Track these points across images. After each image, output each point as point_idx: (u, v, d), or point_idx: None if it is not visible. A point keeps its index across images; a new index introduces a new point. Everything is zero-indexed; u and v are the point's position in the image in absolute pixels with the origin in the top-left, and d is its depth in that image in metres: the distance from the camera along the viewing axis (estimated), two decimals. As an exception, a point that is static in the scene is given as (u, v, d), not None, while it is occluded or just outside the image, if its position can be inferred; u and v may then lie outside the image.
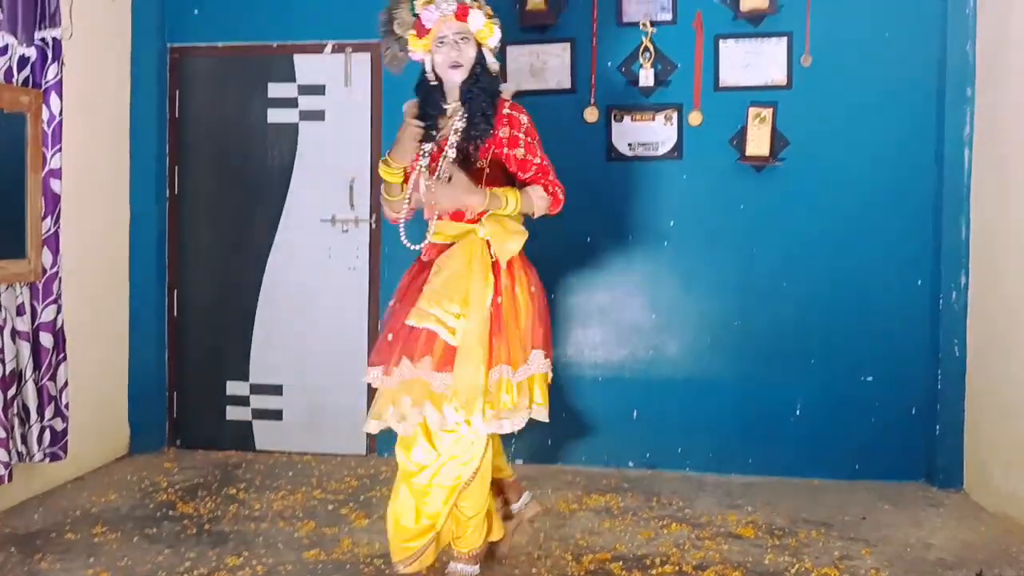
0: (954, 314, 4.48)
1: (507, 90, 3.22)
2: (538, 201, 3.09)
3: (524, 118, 3.12)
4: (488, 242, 3.03)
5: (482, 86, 3.04)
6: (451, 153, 3.02)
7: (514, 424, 2.97)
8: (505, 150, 3.07)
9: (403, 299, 3.10)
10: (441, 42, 3.01)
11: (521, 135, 3.09)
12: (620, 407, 4.78)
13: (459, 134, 3.04)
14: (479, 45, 3.07)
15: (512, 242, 3.04)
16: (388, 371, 3.03)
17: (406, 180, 3.12)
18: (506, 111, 3.10)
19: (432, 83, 3.10)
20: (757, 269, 4.70)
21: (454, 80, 3.05)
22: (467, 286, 2.96)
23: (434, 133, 3.07)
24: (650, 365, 4.77)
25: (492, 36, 3.07)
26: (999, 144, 4.19)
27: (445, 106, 3.10)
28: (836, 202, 4.62)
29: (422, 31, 3.02)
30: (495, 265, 3.03)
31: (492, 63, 3.10)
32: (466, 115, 3.05)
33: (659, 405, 4.76)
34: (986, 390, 4.26)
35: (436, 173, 3.02)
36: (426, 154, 3.06)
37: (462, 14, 2.99)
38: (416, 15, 3.02)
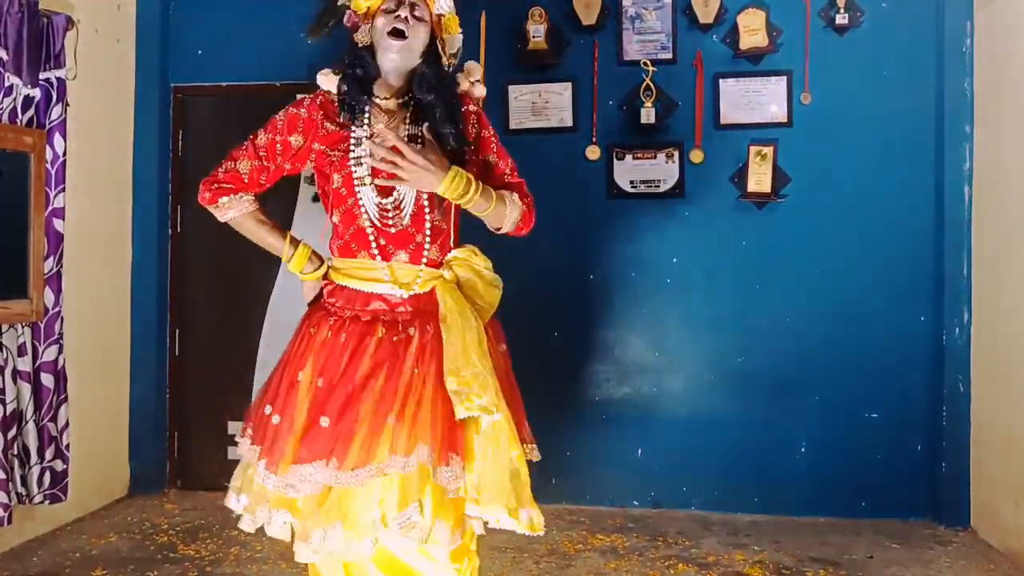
0: (957, 350, 4.47)
1: (472, 73, 2.48)
2: (512, 209, 2.34)
3: (484, 116, 2.47)
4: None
5: (439, 83, 2.33)
6: (409, 193, 2.31)
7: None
8: (474, 156, 2.40)
9: (334, 373, 2.26)
10: (388, 9, 2.30)
11: (490, 136, 2.44)
12: (624, 445, 4.76)
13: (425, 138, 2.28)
14: (434, 38, 2.37)
15: (494, 295, 2.42)
16: (341, 465, 2.15)
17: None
18: (473, 108, 2.43)
19: (364, 57, 2.35)
20: (759, 306, 4.69)
21: (390, 57, 2.30)
22: (485, 351, 2.28)
23: (364, 129, 2.31)
24: (654, 403, 4.75)
25: (454, 35, 2.42)
26: (999, 180, 4.21)
27: (379, 99, 2.36)
28: (838, 238, 4.62)
29: None
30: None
31: (449, 54, 2.42)
32: (415, 121, 2.33)
33: (663, 443, 4.73)
34: (991, 426, 4.24)
35: (407, 135, 2.30)
36: (362, 161, 2.29)
37: None
38: None
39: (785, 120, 4.66)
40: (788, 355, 4.67)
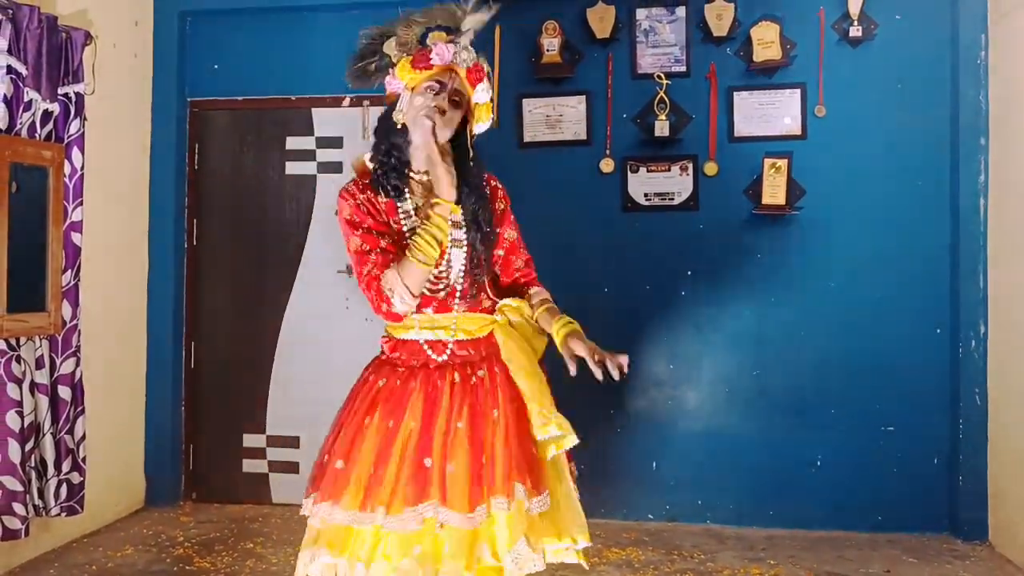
0: (974, 363, 4.45)
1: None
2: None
3: (501, 188, 2.52)
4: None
5: (477, 163, 2.42)
6: (457, 234, 2.37)
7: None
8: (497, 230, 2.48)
9: (399, 412, 2.35)
10: (431, 88, 2.35)
11: (511, 213, 2.50)
12: (639, 459, 4.75)
13: (462, 232, 2.38)
14: (465, 122, 2.42)
15: (541, 343, 2.54)
16: (457, 507, 2.21)
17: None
18: (496, 183, 2.51)
19: (399, 146, 2.39)
20: (774, 318, 4.68)
21: (423, 136, 2.30)
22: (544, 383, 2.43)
23: (398, 189, 2.38)
24: (669, 416, 4.74)
25: (485, 121, 2.45)
26: (1014, 192, 4.19)
27: (415, 174, 2.39)
28: (853, 251, 4.61)
29: (422, 63, 2.36)
30: None
31: (472, 135, 2.45)
32: (467, 188, 2.38)
33: (678, 457, 4.72)
34: (1009, 439, 4.21)
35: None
36: (413, 230, 2.32)
37: (475, 76, 2.37)
38: (425, 45, 2.39)
39: (799, 133, 4.66)
40: (804, 368, 4.65)
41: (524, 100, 4.84)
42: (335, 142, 5.04)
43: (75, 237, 4.10)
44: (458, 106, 2.37)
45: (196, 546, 4.29)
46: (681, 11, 4.75)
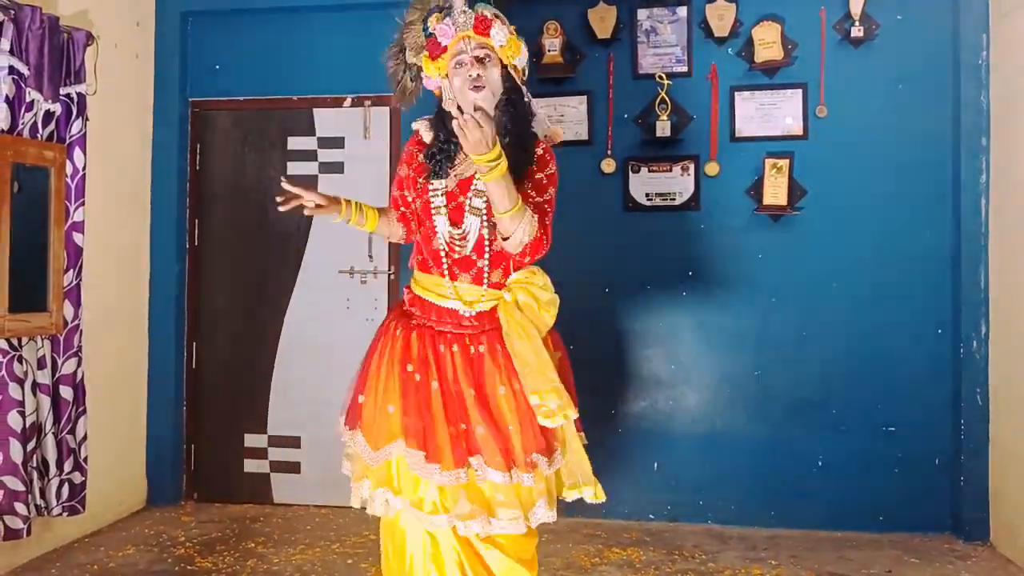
0: (975, 363, 4.45)
1: (553, 133, 2.74)
2: (526, 224, 2.44)
3: (553, 165, 2.63)
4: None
5: (520, 114, 2.55)
6: (475, 201, 2.52)
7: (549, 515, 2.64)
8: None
9: (421, 368, 2.54)
10: (459, 63, 2.51)
11: (538, 174, 2.59)
12: (640, 459, 4.75)
13: (483, 201, 2.53)
14: (503, 66, 2.56)
15: (548, 314, 2.60)
16: (448, 465, 2.46)
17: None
18: (539, 150, 2.62)
19: (450, 135, 2.54)
20: (776, 319, 4.68)
21: (476, 101, 2.50)
22: (550, 364, 2.53)
23: (448, 167, 2.57)
24: (670, 416, 4.74)
25: (519, 55, 2.58)
26: (1016, 193, 4.19)
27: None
28: (854, 251, 4.61)
29: (437, 50, 2.53)
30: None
31: (520, 84, 2.60)
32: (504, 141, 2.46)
33: (680, 457, 4.72)
34: (1011, 440, 4.21)
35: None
36: (440, 193, 2.55)
37: (482, 27, 2.51)
38: (429, 34, 2.55)
39: (801, 133, 4.66)
40: (805, 368, 4.65)
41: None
42: (336, 142, 5.04)
43: (77, 237, 4.11)
44: (489, 61, 2.53)
45: (197, 546, 4.30)
46: (682, 11, 4.75)
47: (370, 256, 4.98)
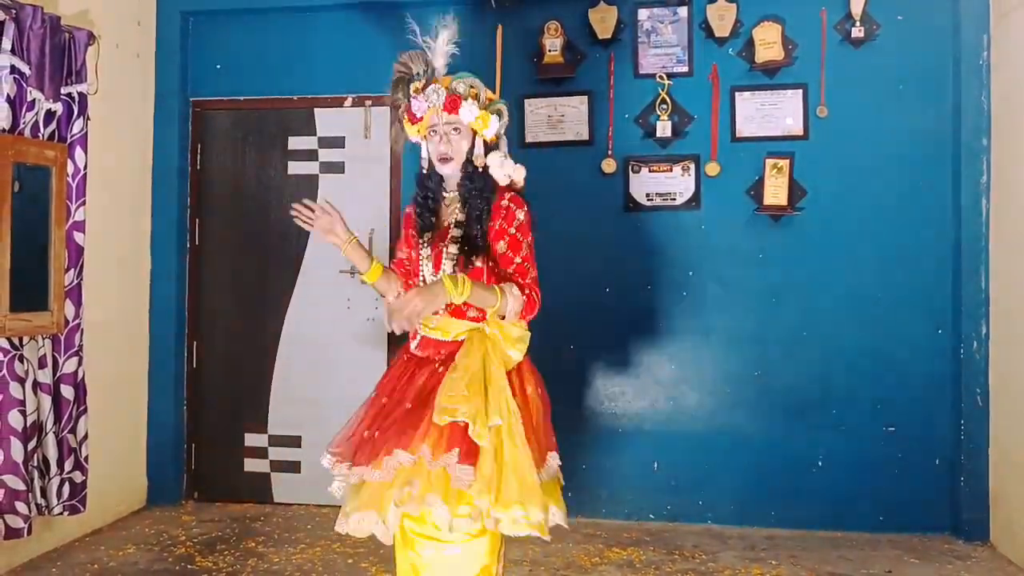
0: (975, 364, 4.45)
1: (516, 175, 2.86)
2: (511, 301, 2.65)
3: (521, 214, 2.77)
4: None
5: (477, 186, 2.77)
6: (451, 248, 2.73)
7: (559, 518, 2.66)
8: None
9: (392, 394, 2.76)
10: (432, 131, 2.77)
11: (510, 230, 2.74)
12: (640, 459, 4.75)
13: (457, 231, 2.75)
14: (475, 135, 2.79)
15: (515, 351, 2.74)
16: (378, 464, 2.61)
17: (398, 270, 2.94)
18: (505, 203, 2.77)
19: (427, 171, 2.85)
20: (776, 319, 4.68)
21: (445, 172, 2.81)
22: (484, 386, 2.63)
23: (432, 219, 2.83)
24: (670, 416, 4.75)
25: (488, 128, 2.79)
26: (1016, 193, 4.19)
27: (445, 194, 2.85)
28: (854, 251, 4.62)
29: (413, 119, 2.80)
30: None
31: (479, 156, 2.79)
32: (464, 211, 2.77)
33: (680, 457, 4.72)
34: (1010, 441, 4.21)
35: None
36: (426, 244, 2.80)
37: (452, 105, 2.74)
38: (408, 101, 2.80)
39: (801, 133, 4.66)
40: (805, 369, 4.66)
41: (526, 100, 4.85)
42: (337, 142, 5.04)
43: (78, 237, 4.11)
44: (458, 135, 2.77)
45: (198, 545, 4.30)
46: (683, 11, 4.75)
47: (370, 256, 4.97)
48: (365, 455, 2.68)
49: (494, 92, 4.80)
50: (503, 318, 2.71)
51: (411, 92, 2.79)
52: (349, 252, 2.82)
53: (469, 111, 2.75)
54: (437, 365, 2.75)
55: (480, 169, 2.80)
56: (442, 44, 2.85)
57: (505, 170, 2.84)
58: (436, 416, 2.56)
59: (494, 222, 2.75)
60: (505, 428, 2.58)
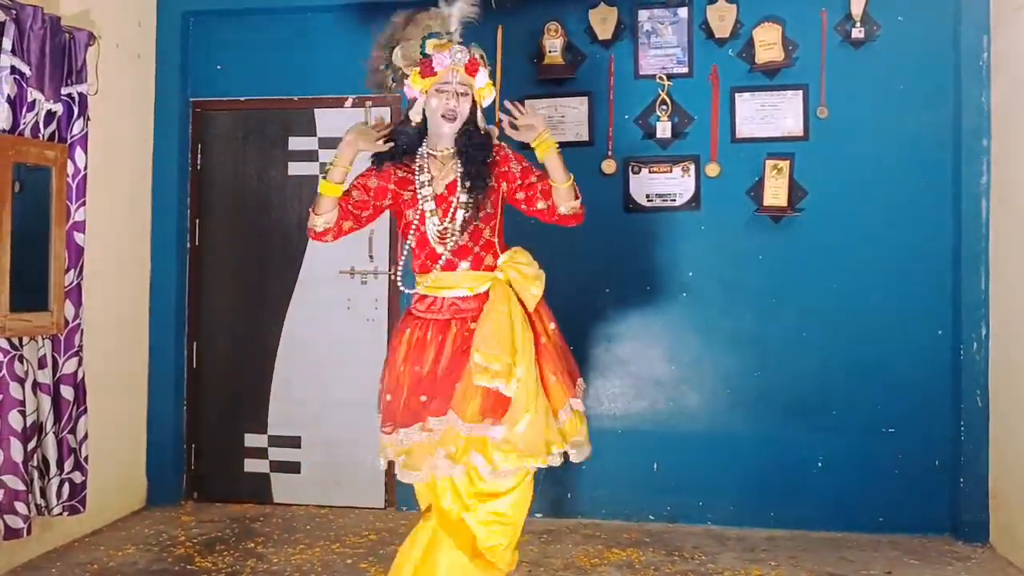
0: (975, 365, 4.44)
1: (493, 133, 3.14)
2: (573, 191, 3.02)
3: (508, 150, 3.10)
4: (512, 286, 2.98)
5: (476, 143, 3.00)
6: (463, 197, 2.96)
7: (582, 453, 2.96)
8: (507, 183, 3.07)
9: (420, 359, 2.95)
10: (440, 89, 2.96)
11: (521, 164, 3.08)
12: (640, 459, 4.75)
13: (468, 182, 2.98)
14: (474, 103, 3.03)
15: (535, 287, 2.98)
16: (425, 427, 2.89)
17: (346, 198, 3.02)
18: (504, 152, 3.09)
19: (414, 123, 3.05)
20: (776, 320, 4.68)
21: (442, 131, 3.00)
22: (513, 335, 2.87)
23: (427, 175, 3.01)
24: (670, 417, 4.74)
25: (488, 96, 3.08)
26: (1017, 194, 4.19)
27: (435, 152, 3.04)
28: (855, 252, 4.61)
29: (428, 71, 2.97)
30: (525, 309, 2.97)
31: (482, 122, 3.07)
32: (462, 168, 2.99)
33: (679, 457, 4.72)
34: (1010, 442, 4.21)
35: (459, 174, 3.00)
36: (430, 198, 2.98)
37: (472, 68, 2.98)
38: (426, 55, 2.97)
39: (801, 134, 4.66)
40: (805, 370, 4.65)
41: (526, 101, 4.80)
42: (338, 142, 4.94)
43: (78, 237, 4.11)
44: (465, 97, 2.97)
45: (197, 546, 4.30)
46: (683, 12, 4.75)
47: (370, 256, 4.98)
48: (407, 418, 2.91)
49: (495, 92, 4.82)
50: (563, 207, 3.00)
51: (429, 47, 2.96)
52: (349, 150, 2.98)
53: (483, 77, 3.01)
54: (470, 322, 2.94)
55: (481, 132, 3.03)
56: (459, 11, 3.03)
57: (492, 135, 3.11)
58: (475, 378, 2.82)
59: (503, 166, 3.04)
60: (530, 379, 2.84)
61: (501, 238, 3.11)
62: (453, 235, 2.97)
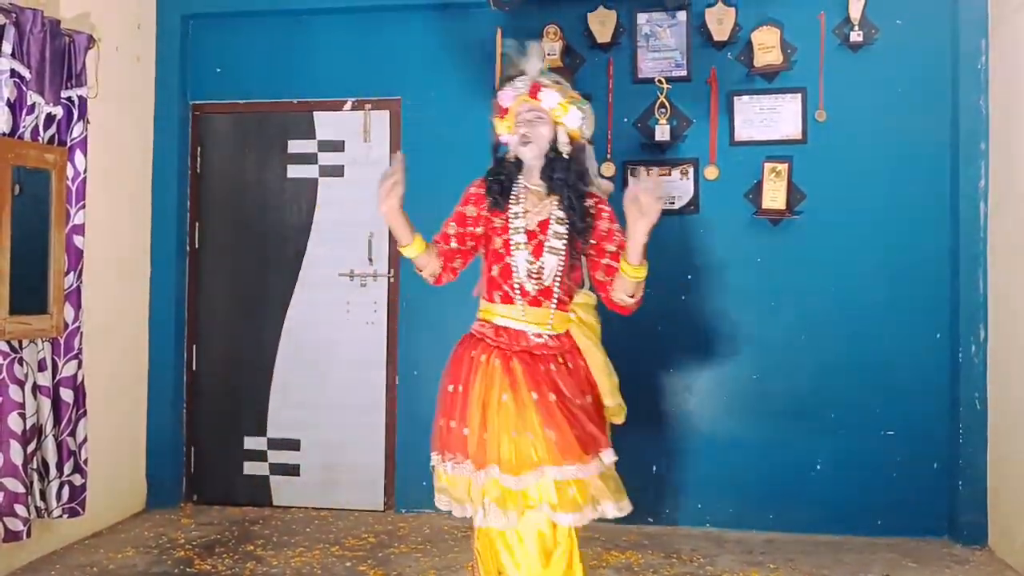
0: (974, 367, 4.45)
1: (604, 190, 3.09)
2: (638, 287, 2.95)
3: (610, 209, 3.00)
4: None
5: (561, 175, 2.93)
6: (554, 243, 2.91)
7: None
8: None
9: (514, 391, 2.85)
10: (518, 123, 2.95)
11: (606, 220, 2.97)
12: (638, 462, 4.74)
13: (563, 224, 2.92)
14: (555, 127, 2.95)
15: (593, 317, 3.16)
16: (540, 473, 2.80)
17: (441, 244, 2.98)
18: (605, 208, 3.00)
19: (508, 160, 3.02)
20: (775, 323, 4.69)
21: (525, 157, 2.97)
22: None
23: (503, 202, 2.96)
24: (668, 420, 4.74)
25: (567, 115, 2.94)
26: (1014, 197, 4.20)
27: (530, 185, 2.97)
28: (853, 255, 4.62)
29: (500, 112, 3.01)
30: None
31: (563, 144, 2.95)
32: (561, 204, 2.93)
33: (678, 460, 4.72)
34: (1008, 444, 4.22)
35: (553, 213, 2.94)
36: (522, 231, 2.92)
37: (534, 91, 2.93)
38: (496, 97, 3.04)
39: (800, 137, 4.66)
40: (803, 373, 4.66)
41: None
42: (337, 145, 5.05)
43: (77, 240, 4.12)
44: (540, 121, 2.94)
45: (197, 548, 4.30)
46: (682, 15, 4.75)
47: (370, 259, 4.99)
48: (484, 454, 2.82)
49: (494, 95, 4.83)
50: (630, 297, 2.92)
51: (498, 92, 3.02)
52: (393, 218, 2.82)
53: (551, 96, 2.93)
54: (560, 359, 2.95)
55: (565, 157, 2.95)
56: (533, 65, 3.00)
57: (594, 182, 3.06)
58: (615, 418, 3.05)
59: (597, 218, 2.95)
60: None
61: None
62: (542, 276, 2.93)
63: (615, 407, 3.05)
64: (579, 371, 2.99)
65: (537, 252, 2.92)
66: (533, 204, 2.96)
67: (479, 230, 2.99)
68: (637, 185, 2.93)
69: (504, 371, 2.85)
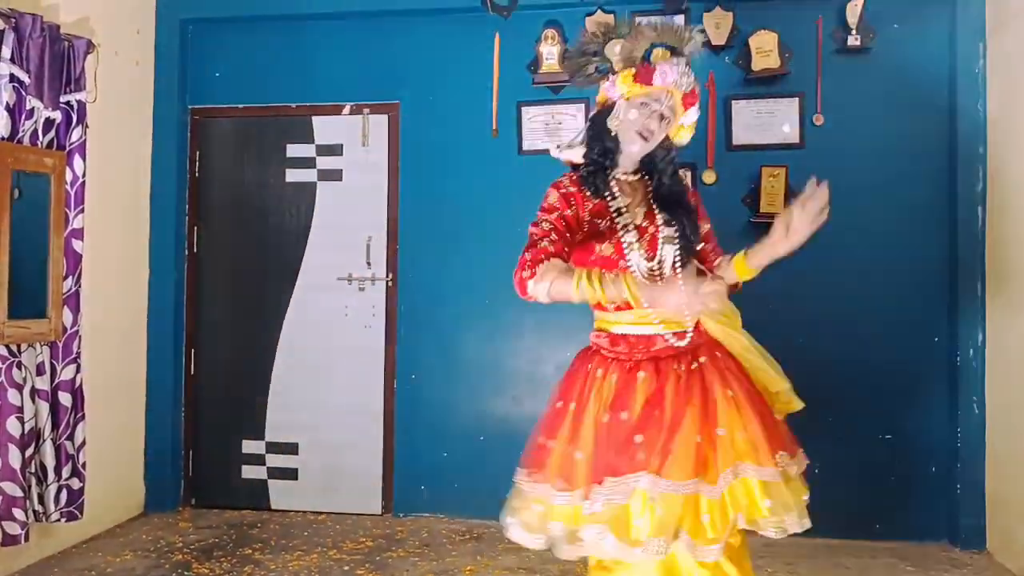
0: (972, 371, 4.45)
1: (685, 176, 2.91)
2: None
3: (699, 196, 2.84)
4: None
5: (663, 167, 2.65)
6: (667, 230, 2.58)
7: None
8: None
9: (629, 405, 2.51)
10: (646, 104, 2.54)
11: (702, 207, 2.78)
12: (637, 466, 4.74)
13: (670, 230, 2.58)
14: (667, 136, 2.64)
15: (739, 318, 2.98)
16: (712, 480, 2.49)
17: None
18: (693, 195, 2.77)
19: (609, 148, 2.61)
20: (772, 327, 4.64)
21: (631, 148, 2.59)
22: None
23: (621, 199, 2.59)
24: (667, 423, 4.74)
25: (684, 138, 2.68)
26: (1012, 202, 4.20)
27: (624, 175, 2.64)
28: (851, 258, 4.61)
29: (644, 78, 2.54)
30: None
31: (675, 148, 2.68)
32: (649, 189, 2.65)
33: (676, 464, 4.71)
34: (1007, 448, 4.22)
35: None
36: (632, 229, 2.55)
37: (689, 100, 2.59)
38: (650, 62, 2.56)
39: (797, 141, 4.67)
40: (801, 376, 4.62)
41: (523, 108, 4.85)
42: (335, 149, 5.06)
43: (76, 244, 4.12)
44: (667, 124, 2.57)
45: (195, 552, 4.30)
46: (680, 19, 4.76)
47: (368, 263, 4.99)
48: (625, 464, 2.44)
49: (492, 100, 4.84)
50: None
51: (657, 56, 2.57)
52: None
53: (694, 113, 2.64)
54: (691, 362, 2.63)
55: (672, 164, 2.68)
56: (697, 43, 2.67)
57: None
58: (778, 413, 2.84)
59: (701, 222, 2.75)
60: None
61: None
62: (662, 270, 2.58)
63: (785, 391, 2.84)
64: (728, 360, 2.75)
65: (652, 246, 2.56)
66: (630, 195, 2.63)
67: (578, 237, 2.56)
68: (807, 205, 2.59)
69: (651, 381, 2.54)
